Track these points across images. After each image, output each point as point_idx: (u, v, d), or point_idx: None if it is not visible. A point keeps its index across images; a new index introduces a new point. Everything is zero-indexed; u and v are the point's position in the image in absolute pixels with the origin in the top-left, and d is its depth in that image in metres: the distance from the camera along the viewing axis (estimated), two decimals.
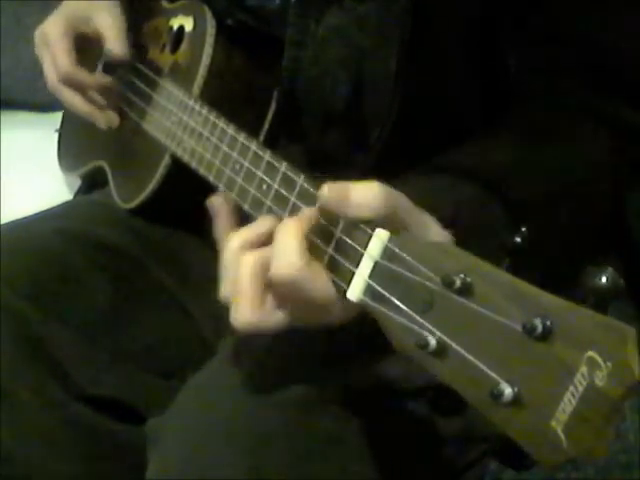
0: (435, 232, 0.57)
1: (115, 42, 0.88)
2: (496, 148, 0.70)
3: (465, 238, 0.58)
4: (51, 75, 0.90)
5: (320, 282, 0.56)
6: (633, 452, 0.85)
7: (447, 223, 0.58)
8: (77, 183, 1.07)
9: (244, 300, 0.57)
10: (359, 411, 0.66)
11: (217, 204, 0.64)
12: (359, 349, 0.70)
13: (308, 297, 0.56)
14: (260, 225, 0.60)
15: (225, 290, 0.60)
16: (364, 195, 0.55)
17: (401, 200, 0.56)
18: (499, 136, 0.71)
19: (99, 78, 0.91)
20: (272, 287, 0.57)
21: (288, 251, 0.56)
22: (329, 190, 0.55)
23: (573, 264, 0.64)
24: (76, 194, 1.06)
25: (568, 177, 0.69)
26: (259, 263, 0.58)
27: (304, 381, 0.66)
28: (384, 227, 0.55)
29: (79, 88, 0.90)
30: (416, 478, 0.71)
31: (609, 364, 0.42)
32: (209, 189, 0.74)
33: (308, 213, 0.58)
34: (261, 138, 0.80)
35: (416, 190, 0.58)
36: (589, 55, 0.71)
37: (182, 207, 0.88)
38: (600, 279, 0.47)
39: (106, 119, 0.91)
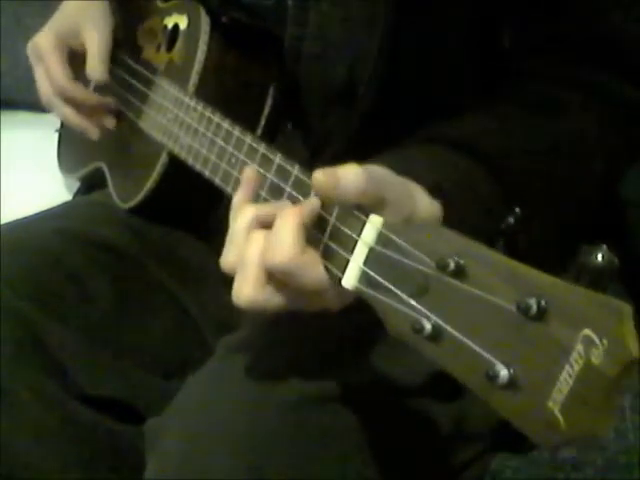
0: (422, 201, 0.57)
1: (95, 66, 0.89)
2: (489, 121, 0.70)
3: (455, 209, 0.57)
4: (45, 89, 0.90)
5: (313, 271, 0.56)
6: (633, 452, 0.85)
7: (437, 193, 0.58)
8: (76, 184, 1.07)
9: (249, 277, 0.57)
10: (358, 409, 0.66)
11: (250, 173, 0.63)
12: (357, 347, 0.70)
13: (300, 284, 0.56)
14: (278, 206, 0.60)
15: (228, 258, 0.59)
16: (349, 179, 0.54)
17: (384, 175, 0.55)
18: (493, 110, 0.71)
19: (94, 95, 0.91)
20: (269, 272, 0.57)
21: (283, 239, 0.56)
22: (323, 174, 0.54)
23: (567, 245, 0.63)
24: (75, 195, 1.06)
25: (561, 153, 0.69)
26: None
27: (303, 380, 0.66)
28: (371, 205, 0.54)
29: (73, 102, 0.90)
30: (415, 476, 0.70)
31: (605, 342, 0.41)
32: (207, 187, 0.74)
33: (310, 203, 0.57)
34: (258, 133, 0.80)
35: (404, 161, 0.58)
36: (589, 32, 0.71)
37: (181, 206, 0.89)
38: (595, 257, 0.47)
39: (98, 131, 0.91)
